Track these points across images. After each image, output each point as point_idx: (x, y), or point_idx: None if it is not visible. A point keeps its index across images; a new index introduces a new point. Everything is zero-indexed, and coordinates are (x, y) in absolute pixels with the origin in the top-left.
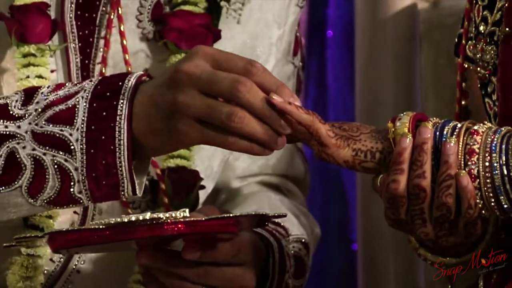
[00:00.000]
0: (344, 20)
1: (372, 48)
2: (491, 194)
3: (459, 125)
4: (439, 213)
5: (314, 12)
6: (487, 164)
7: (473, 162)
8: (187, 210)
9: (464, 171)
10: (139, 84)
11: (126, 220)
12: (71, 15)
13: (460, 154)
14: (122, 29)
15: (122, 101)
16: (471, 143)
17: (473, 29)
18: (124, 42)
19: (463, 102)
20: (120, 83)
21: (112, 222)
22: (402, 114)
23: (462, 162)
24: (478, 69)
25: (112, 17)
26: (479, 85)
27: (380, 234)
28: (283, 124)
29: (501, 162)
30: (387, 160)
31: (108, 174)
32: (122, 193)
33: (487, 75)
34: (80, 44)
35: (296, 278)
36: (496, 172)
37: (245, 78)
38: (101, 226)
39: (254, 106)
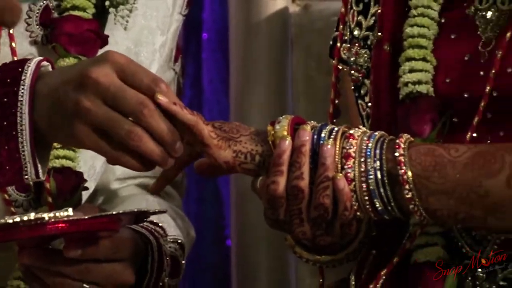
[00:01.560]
0: (218, 23)
1: (245, 51)
2: (366, 197)
3: (335, 129)
4: (316, 213)
5: (189, 15)
6: (362, 168)
7: (349, 165)
8: (70, 209)
9: (340, 174)
10: (41, 70)
11: (10, 221)
12: None
13: (337, 157)
14: (11, 31)
15: (22, 87)
16: (347, 147)
17: (348, 32)
18: (13, 44)
19: (336, 102)
20: (20, 69)
21: None
22: (281, 118)
23: (339, 165)
24: (352, 71)
25: None
26: (352, 87)
27: (253, 230)
28: (178, 148)
29: (375, 166)
30: (266, 163)
31: (11, 159)
32: (26, 177)
33: (360, 78)
34: None
35: (171, 277)
36: (371, 176)
37: (149, 101)
38: None
39: (154, 130)
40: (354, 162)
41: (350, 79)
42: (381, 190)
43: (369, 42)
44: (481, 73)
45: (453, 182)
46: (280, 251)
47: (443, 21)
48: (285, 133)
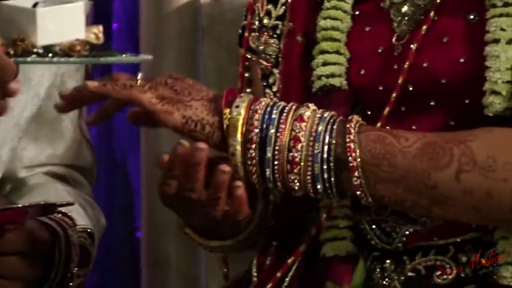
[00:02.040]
0: (128, 13)
1: (156, 40)
2: (309, 181)
3: (287, 108)
4: (205, 216)
5: (99, 5)
6: (310, 152)
7: (297, 149)
8: None
9: (240, 183)
10: None
11: None
12: None
13: (285, 139)
14: None
15: None
16: (297, 130)
17: (257, 21)
18: None
19: (248, 91)
20: None
21: None
22: (239, 100)
23: (287, 148)
24: (261, 60)
25: None
26: (260, 76)
27: (163, 222)
28: (10, 90)
29: (323, 150)
30: (215, 135)
31: None
32: None
33: (269, 67)
34: None
35: (80, 267)
36: (317, 161)
37: None
38: None
39: None
40: (302, 146)
41: (258, 68)
42: (325, 175)
43: (278, 32)
44: (395, 66)
45: (403, 171)
46: (190, 242)
47: (357, 13)
48: (241, 122)
